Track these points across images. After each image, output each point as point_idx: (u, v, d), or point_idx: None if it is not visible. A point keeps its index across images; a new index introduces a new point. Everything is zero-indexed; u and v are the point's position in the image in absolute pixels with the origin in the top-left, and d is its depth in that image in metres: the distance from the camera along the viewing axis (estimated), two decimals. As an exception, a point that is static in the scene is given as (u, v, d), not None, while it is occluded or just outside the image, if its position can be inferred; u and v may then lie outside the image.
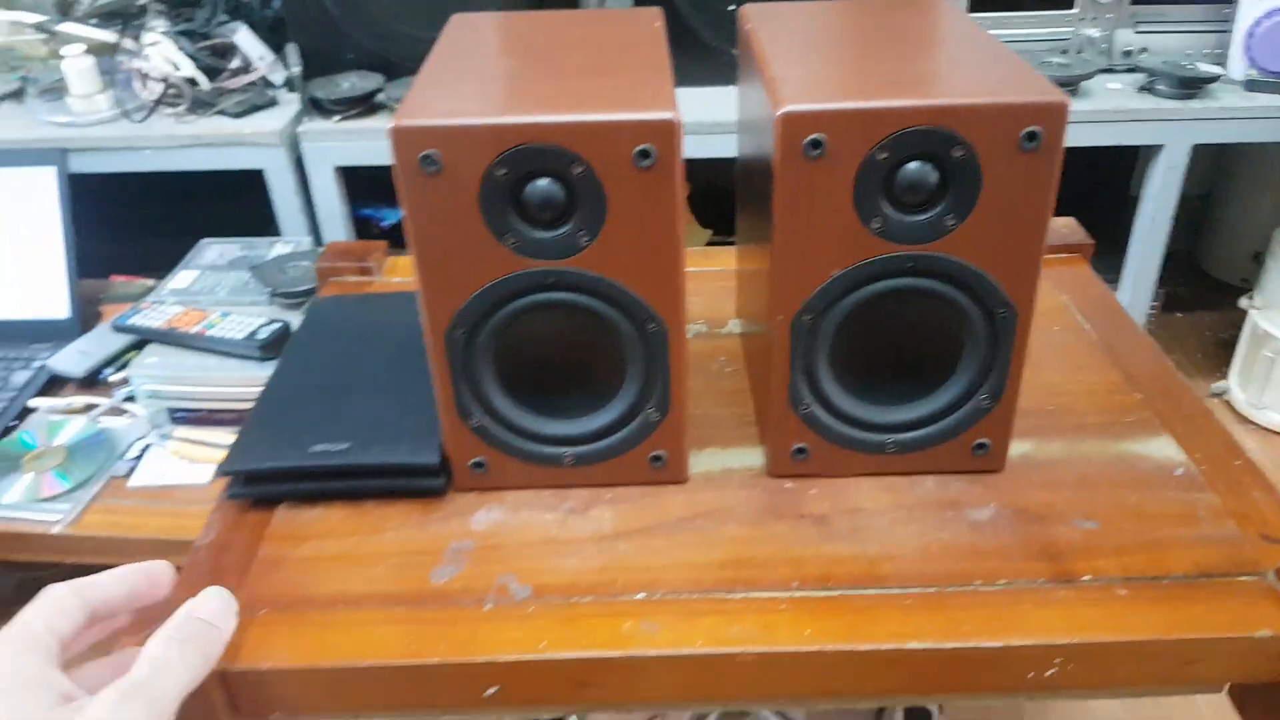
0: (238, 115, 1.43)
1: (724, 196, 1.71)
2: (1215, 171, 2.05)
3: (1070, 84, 1.42)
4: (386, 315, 0.70)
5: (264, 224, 1.52)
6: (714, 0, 1.38)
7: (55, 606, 0.44)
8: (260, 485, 0.57)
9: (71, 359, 1.22)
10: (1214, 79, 1.43)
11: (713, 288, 0.75)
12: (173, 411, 1.10)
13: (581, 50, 0.57)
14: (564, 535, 0.54)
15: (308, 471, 0.57)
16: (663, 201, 0.48)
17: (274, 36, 1.56)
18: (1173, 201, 1.49)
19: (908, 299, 0.51)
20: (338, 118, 1.43)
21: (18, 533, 1.04)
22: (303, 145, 1.44)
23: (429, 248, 0.50)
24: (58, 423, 1.16)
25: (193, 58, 1.44)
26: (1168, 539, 0.51)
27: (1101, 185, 1.86)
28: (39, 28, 1.52)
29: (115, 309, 1.27)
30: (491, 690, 0.48)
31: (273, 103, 1.48)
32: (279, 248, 1.32)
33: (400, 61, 1.46)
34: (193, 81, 1.44)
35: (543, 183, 0.48)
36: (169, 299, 1.22)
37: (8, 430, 1.16)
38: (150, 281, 1.36)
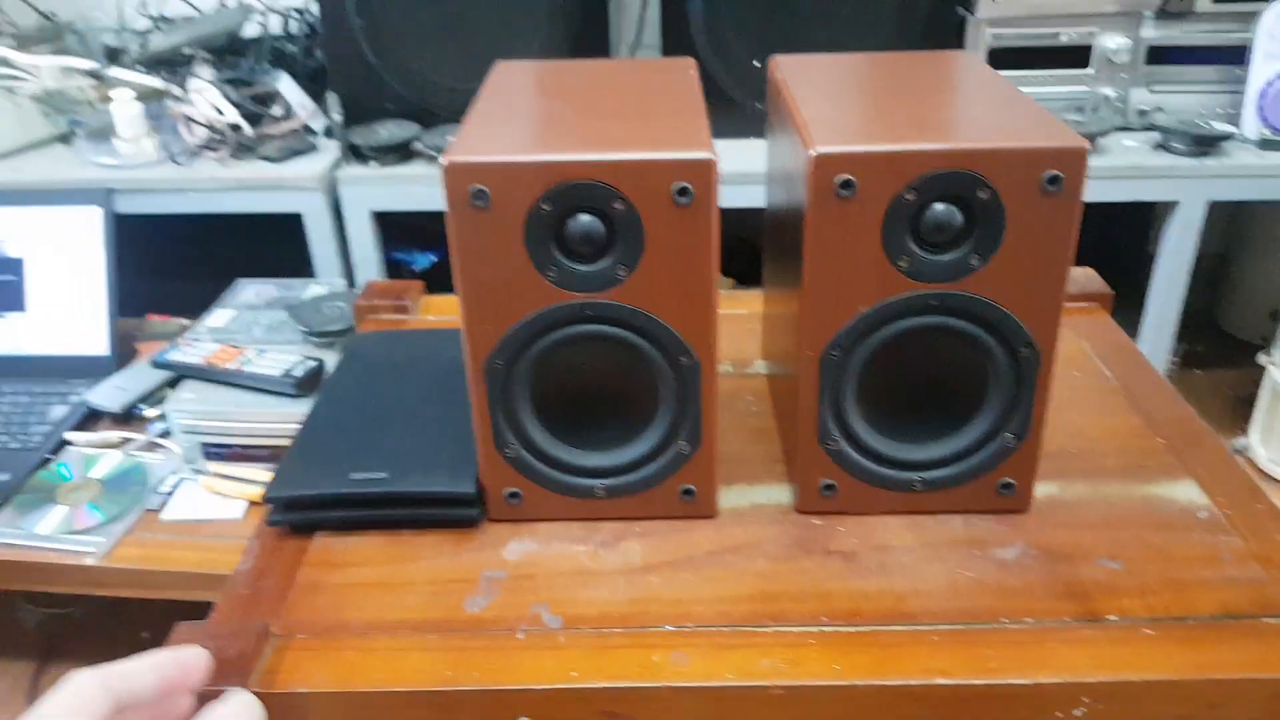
0: (278, 160, 1.47)
1: (746, 248, 1.73)
2: (1232, 231, 2.06)
3: (1087, 141, 1.44)
4: (424, 350, 0.72)
5: (298, 266, 1.56)
6: (739, 56, 1.42)
7: (78, 698, 0.41)
8: (300, 512, 0.59)
9: (109, 394, 1.25)
10: (1228, 137, 1.45)
11: (738, 329, 0.77)
12: (206, 447, 1.12)
13: (621, 95, 0.60)
14: (595, 567, 0.55)
15: (346, 499, 0.58)
16: (699, 238, 0.50)
17: (315, 85, 1.60)
18: (1189, 257, 1.50)
19: (933, 337, 0.52)
20: (375, 164, 1.46)
21: (51, 564, 1.06)
22: (340, 190, 1.48)
23: (473, 279, 0.51)
24: (93, 456, 1.18)
25: (236, 105, 1.48)
26: (1193, 580, 0.52)
27: (1120, 243, 1.88)
28: (90, 73, 1.57)
29: (151, 346, 1.30)
30: (522, 719, 0.48)
31: (312, 149, 1.52)
32: (314, 289, 1.35)
33: (436, 111, 1.50)
34: (236, 127, 1.48)
35: (585, 218, 0.50)
36: (206, 336, 1.25)
37: (44, 462, 1.18)
38: (186, 321, 1.39)
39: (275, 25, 1.73)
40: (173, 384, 1.20)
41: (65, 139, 1.61)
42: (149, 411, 1.23)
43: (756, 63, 1.39)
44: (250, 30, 1.70)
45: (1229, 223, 2.05)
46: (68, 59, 1.58)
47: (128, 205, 1.43)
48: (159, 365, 1.20)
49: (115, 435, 1.21)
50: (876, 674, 0.47)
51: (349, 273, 1.53)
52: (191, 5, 1.79)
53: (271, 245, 1.59)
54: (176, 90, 1.49)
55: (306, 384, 1.09)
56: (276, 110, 1.53)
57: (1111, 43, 1.45)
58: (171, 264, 1.69)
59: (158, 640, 0.49)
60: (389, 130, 1.47)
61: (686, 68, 0.65)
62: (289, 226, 1.50)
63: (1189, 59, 1.49)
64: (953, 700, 0.47)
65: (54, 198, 1.35)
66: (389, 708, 0.48)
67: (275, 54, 1.63)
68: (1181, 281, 1.52)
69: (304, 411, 0.67)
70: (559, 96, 0.61)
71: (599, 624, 0.51)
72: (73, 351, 1.34)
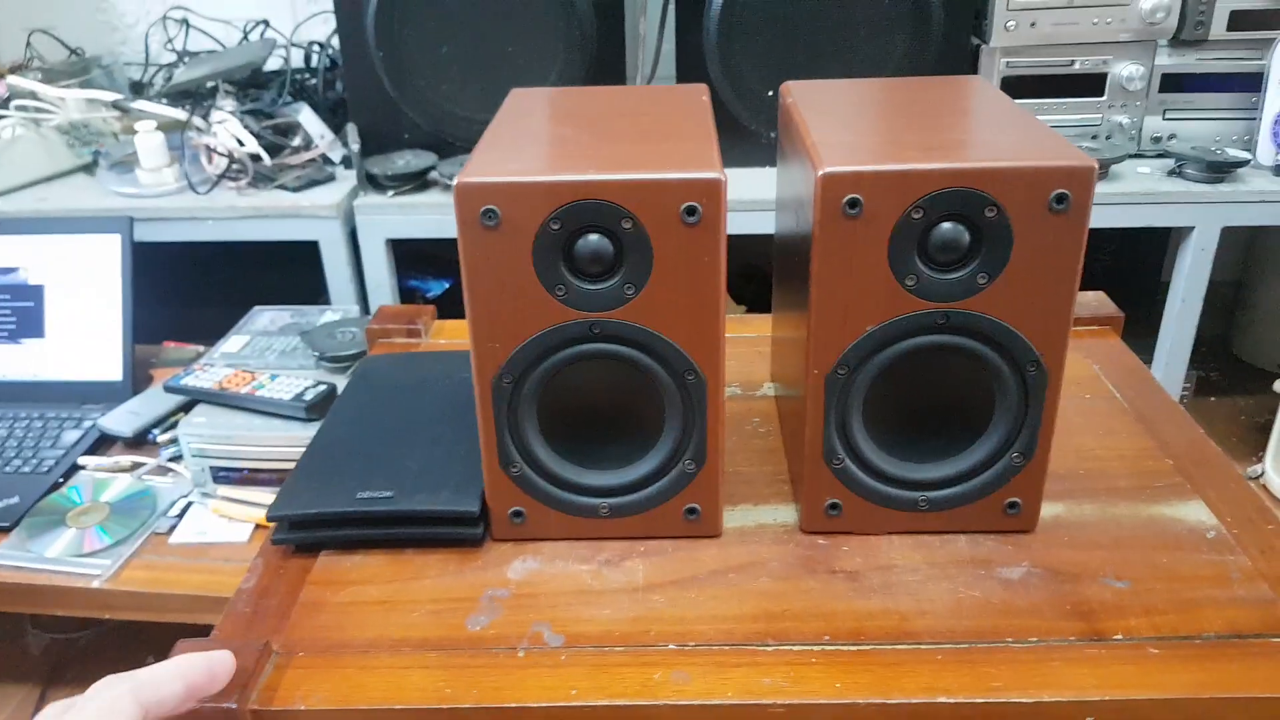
0: (296, 189, 1.49)
1: (758, 275, 1.74)
2: (1247, 259, 2.05)
3: (1100, 167, 1.44)
4: (433, 371, 0.72)
5: (315, 294, 1.57)
6: (751, 86, 1.43)
7: (110, 708, 0.41)
8: (305, 531, 0.59)
9: (122, 419, 1.26)
10: (1243, 164, 1.45)
11: (747, 352, 0.77)
12: (215, 471, 1.12)
13: (632, 119, 0.60)
14: (598, 586, 0.55)
15: (351, 517, 0.58)
16: (707, 257, 0.51)
17: (335, 117, 1.63)
18: (1203, 283, 1.49)
19: (941, 356, 0.52)
20: (391, 193, 1.48)
21: (58, 586, 1.06)
22: (357, 218, 1.49)
23: (483, 298, 0.52)
24: (104, 480, 1.19)
25: (257, 135, 1.51)
26: (1200, 599, 0.51)
27: (1135, 270, 1.87)
28: (114, 105, 1.60)
29: (166, 373, 1.31)
30: (522, 736, 0.48)
31: (330, 178, 1.54)
32: (328, 315, 1.36)
33: (454, 141, 1.51)
34: (256, 157, 1.50)
35: (593, 237, 0.51)
36: (220, 362, 1.26)
37: (56, 486, 1.19)
38: (201, 348, 1.40)
39: (297, 58, 1.76)
40: (186, 409, 1.21)
41: (89, 169, 1.64)
42: (161, 436, 1.24)
43: (770, 93, 1.41)
44: (273, 63, 1.73)
45: (1245, 250, 2.05)
46: (92, 91, 1.61)
47: (148, 233, 1.45)
48: (171, 390, 1.21)
49: (126, 459, 1.22)
50: (879, 693, 0.47)
51: (364, 299, 1.54)
52: (216, 40, 1.83)
53: (288, 273, 1.60)
54: (198, 121, 1.51)
55: (318, 408, 1.09)
56: (296, 141, 1.56)
57: (1125, 71, 1.46)
58: (192, 291, 1.71)
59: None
60: (406, 160, 1.49)
61: (699, 93, 0.66)
62: (306, 254, 1.51)
63: (1203, 86, 1.49)
64: (955, 719, 0.46)
65: (75, 226, 1.37)
66: (389, 725, 0.48)
67: (296, 86, 1.65)
68: (1195, 308, 1.51)
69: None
70: (571, 121, 0.61)
71: (600, 642, 0.51)
72: (88, 377, 1.35)
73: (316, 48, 1.73)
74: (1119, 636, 0.49)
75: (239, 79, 1.62)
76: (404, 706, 0.48)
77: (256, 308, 1.42)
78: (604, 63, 1.47)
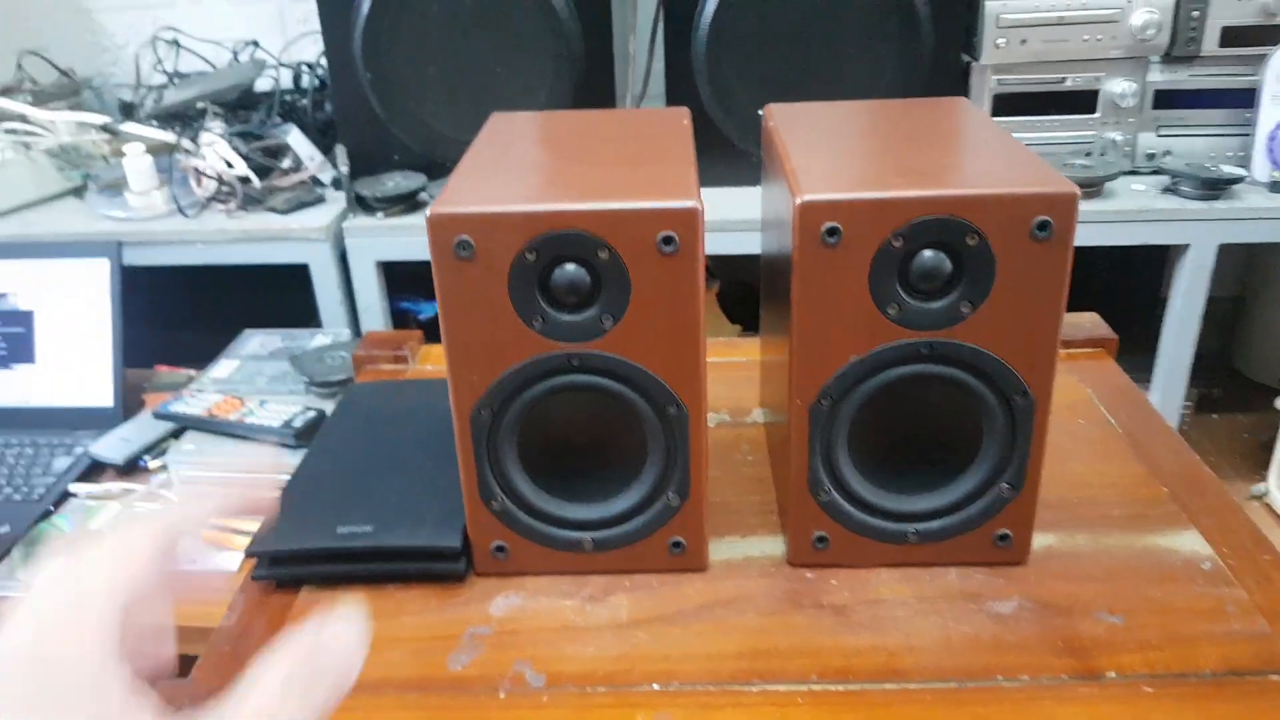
0: (286, 212, 1.48)
1: (751, 294, 1.73)
2: (1246, 274, 2.05)
3: (1094, 185, 1.44)
4: (417, 401, 0.71)
5: (306, 316, 1.56)
6: (741, 105, 1.43)
7: (127, 559, 0.33)
8: (285, 567, 0.58)
9: (112, 446, 1.24)
10: (1238, 180, 1.45)
11: (737, 377, 0.76)
12: (207, 498, 1.11)
13: (611, 144, 0.60)
14: (581, 622, 0.54)
15: (332, 553, 0.57)
16: (685, 287, 0.50)
17: (325, 138, 1.62)
18: (1201, 300, 1.48)
19: (926, 385, 0.51)
20: (381, 214, 1.47)
21: (48, 615, 1.05)
22: (347, 241, 1.49)
23: (459, 330, 0.51)
24: (94, 508, 1.18)
25: (246, 157, 1.50)
26: (1195, 635, 0.50)
27: (1132, 288, 1.87)
28: (103, 128, 1.60)
29: (158, 398, 1.30)
30: (501, 779, 0.47)
31: (320, 200, 1.54)
32: (319, 339, 1.35)
33: (443, 162, 1.51)
34: (245, 180, 1.50)
35: (570, 267, 0.50)
36: (210, 387, 1.25)
37: (47, 514, 1.18)
38: (193, 372, 1.40)
39: (286, 79, 1.75)
40: (176, 435, 1.20)
41: (78, 192, 1.63)
42: (152, 463, 1.23)
43: (760, 111, 1.40)
44: (262, 84, 1.73)
45: (1243, 267, 2.04)
46: (82, 114, 1.61)
47: (137, 257, 1.44)
48: (161, 417, 1.20)
49: (117, 487, 1.20)
50: (867, 735, 0.46)
51: (355, 322, 1.54)
52: (206, 61, 1.82)
53: (281, 295, 1.60)
54: (187, 144, 1.51)
55: (307, 434, 1.08)
56: (286, 163, 1.55)
57: (1118, 88, 1.45)
58: (182, 315, 1.70)
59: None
60: (395, 181, 1.48)
61: (680, 117, 0.65)
62: (296, 277, 1.51)
63: (1196, 102, 1.48)
64: (947, 762, 0.45)
65: (64, 250, 1.36)
66: (368, 769, 0.47)
67: (286, 107, 1.65)
68: (1194, 325, 1.50)
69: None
70: (548, 146, 0.61)
71: (583, 682, 0.50)
72: (79, 403, 1.34)
73: (305, 68, 1.73)
74: (1112, 674, 0.48)
75: (228, 100, 1.62)
76: (383, 750, 0.47)
77: (247, 331, 1.41)
78: (593, 82, 1.47)
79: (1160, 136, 1.51)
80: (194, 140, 1.52)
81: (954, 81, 1.44)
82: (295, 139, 1.55)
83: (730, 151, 1.43)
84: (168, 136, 1.53)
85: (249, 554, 0.58)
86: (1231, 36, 1.43)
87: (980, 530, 0.54)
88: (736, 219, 1.33)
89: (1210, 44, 1.43)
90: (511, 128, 0.64)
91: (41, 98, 1.71)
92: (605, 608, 0.55)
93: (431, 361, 0.83)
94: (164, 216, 1.51)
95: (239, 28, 1.84)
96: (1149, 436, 0.67)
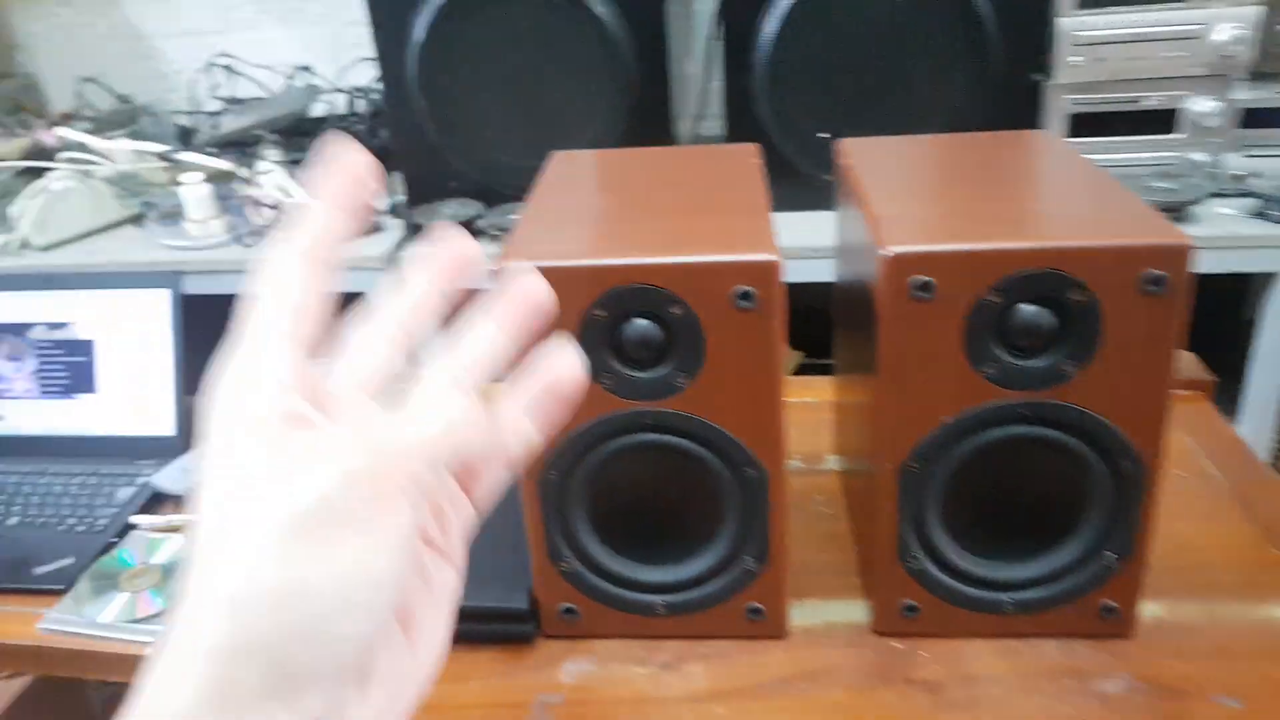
0: (342, 240, 1.48)
1: (815, 317, 1.69)
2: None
3: (1177, 209, 1.37)
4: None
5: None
6: (804, 128, 1.39)
7: (294, 304, 0.27)
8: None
9: (174, 476, 1.24)
10: (1333, 202, 1.38)
11: (809, 420, 0.72)
12: (265, 532, 1.10)
13: (679, 188, 0.57)
14: (656, 693, 0.51)
15: (394, 612, 0.55)
16: (763, 343, 0.47)
17: (380, 165, 1.62)
18: (1293, 333, 1.41)
19: (1025, 448, 0.48)
20: (437, 243, 1.46)
21: (113, 653, 1.04)
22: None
23: (523, 390, 0.49)
24: (156, 540, 1.18)
25: (303, 186, 1.50)
26: (1327, 723, 0.46)
27: (1212, 312, 1.79)
28: (161, 156, 1.61)
29: (217, 427, 1.29)
30: None
31: (377, 228, 1.53)
32: (375, 369, 1.34)
33: (500, 190, 1.49)
34: (301, 208, 1.49)
35: (641, 323, 0.47)
36: (268, 419, 1.24)
37: (109, 546, 1.18)
38: (252, 400, 1.39)
39: (341, 105, 1.75)
40: (236, 466, 1.19)
41: (137, 220, 1.64)
42: (212, 494, 1.23)
43: (822, 134, 1.37)
44: (317, 110, 1.73)
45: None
46: (140, 143, 1.62)
47: (196, 286, 1.45)
48: (221, 449, 1.19)
49: (180, 518, 1.20)
50: (968, 829, 0.42)
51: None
52: (261, 85, 1.83)
53: (339, 322, 1.59)
54: (244, 172, 1.51)
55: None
56: (342, 190, 1.55)
57: (1200, 106, 1.39)
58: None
59: None
60: (452, 209, 1.47)
61: (749, 155, 0.62)
62: (355, 304, 1.50)
63: (1287, 122, 1.42)
64: None
65: (124, 281, 1.37)
66: None
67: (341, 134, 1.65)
68: (1287, 361, 1.43)
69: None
70: (615, 191, 0.58)
71: (660, 762, 0.47)
72: (141, 432, 1.34)
73: (359, 94, 1.73)
74: (1236, 767, 0.44)
75: (283, 127, 1.62)
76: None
77: (305, 360, 1.41)
78: (648, 105, 1.44)
79: (1248, 157, 1.44)
80: (251, 168, 1.52)
81: (1025, 102, 1.39)
82: (351, 166, 1.55)
83: (792, 175, 1.39)
84: (224, 165, 1.54)
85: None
86: (1322, 51, 1.37)
87: (1082, 601, 0.51)
88: (802, 246, 1.29)
89: (1299, 58, 1.37)
90: (574, 169, 0.62)
91: (100, 125, 1.72)
92: (680, 677, 0.52)
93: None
94: (223, 245, 1.52)
95: (292, 52, 1.85)
96: (1257, 492, 0.62)
